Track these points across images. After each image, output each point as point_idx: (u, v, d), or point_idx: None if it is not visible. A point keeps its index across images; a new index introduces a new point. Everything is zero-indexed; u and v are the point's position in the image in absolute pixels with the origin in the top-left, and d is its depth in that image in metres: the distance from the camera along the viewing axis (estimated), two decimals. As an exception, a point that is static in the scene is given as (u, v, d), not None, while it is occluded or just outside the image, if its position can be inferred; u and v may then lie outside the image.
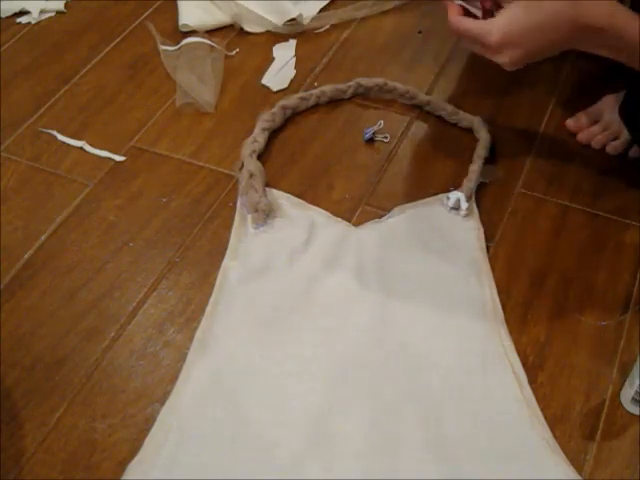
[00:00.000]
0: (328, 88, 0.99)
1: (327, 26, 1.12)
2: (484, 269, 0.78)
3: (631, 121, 0.86)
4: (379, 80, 0.99)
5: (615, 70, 0.95)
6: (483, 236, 0.81)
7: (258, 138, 0.91)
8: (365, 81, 0.99)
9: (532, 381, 0.69)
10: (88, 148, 0.96)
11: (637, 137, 0.87)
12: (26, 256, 0.83)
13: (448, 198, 0.83)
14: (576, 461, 0.64)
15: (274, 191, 0.87)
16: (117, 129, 0.98)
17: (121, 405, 0.70)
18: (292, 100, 0.97)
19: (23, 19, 1.18)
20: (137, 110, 1.01)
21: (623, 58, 0.71)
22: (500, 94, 0.97)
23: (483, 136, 0.89)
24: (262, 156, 0.91)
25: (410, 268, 0.78)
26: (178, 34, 1.12)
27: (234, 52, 1.09)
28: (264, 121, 0.94)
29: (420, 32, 1.11)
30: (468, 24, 0.73)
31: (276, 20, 1.11)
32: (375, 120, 0.95)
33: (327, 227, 0.83)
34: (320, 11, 1.14)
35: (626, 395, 0.67)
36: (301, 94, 0.98)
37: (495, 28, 0.69)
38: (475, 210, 0.83)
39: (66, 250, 0.84)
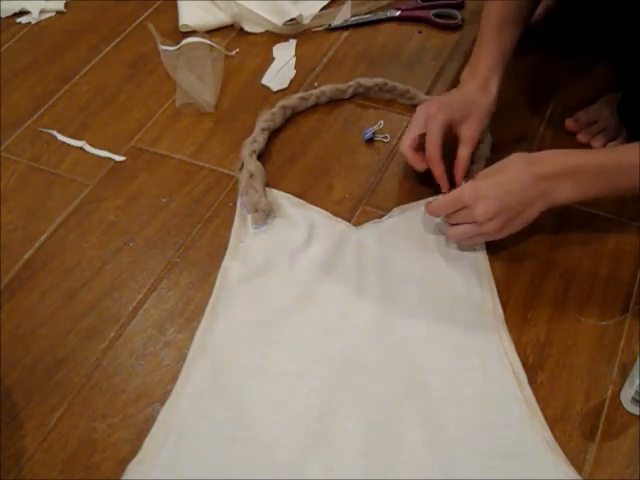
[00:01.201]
0: (328, 88, 0.99)
1: (327, 26, 1.12)
2: (484, 269, 0.78)
3: (629, 120, 0.86)
4: (379, 80, 0.99)
5: (614, 70, 0.96)
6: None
7: (258, 138, 0.91)
8: (365, 81, 0.99)
9: (532, 381, 0.69)
10: (88, 148, 0.96)
11: (635, 136, 0.86)
12: (26, 256, 0.83)
13: None
14: (576, 461, 0.64)
15: (274, 191, 0.87)
16: (117, 129, 0.98)
17: (121, 405, 0.70)
18: (292, 100, 0.97)
19: (23, 19, 1.18)
20: (137, 110, 1.01)
21: (612, 188, 0.73)
22: (500, 94, 0.97)
23: (484, 136, 0.89)
24: (262, 156, 0.91)
25: (410, 268, 0.78)
26: (178, 34, 1.12)
27: (234, 52, 1.09)
28: (264, 121, 0.94)
29: (420, 32, 1.11)
30: (441, 200, 0.78)
31: (276, 20, 1.11)
32: (375, 120, 0.95)
33: (327, 227, 0.83)
34: (320, 10, 1.14)
35: (626, 395, 0.67)
36: (301, 94, 0.98)
37: (466, 187, 0.74)
38: None
39: (66, 250, 0.84)
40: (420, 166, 0.84)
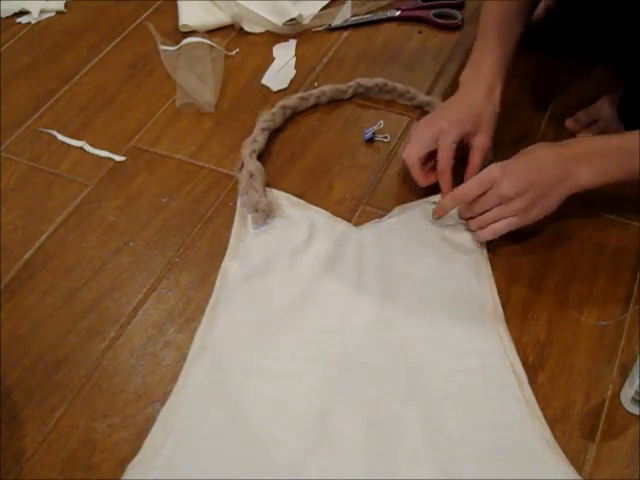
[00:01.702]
0: (328, 88, 0.99)
1: (327, 26, 1.12)
2: (484, 269, 0.78)
3: (629, 120, 0.86)
4: (379, 80, 0.99)
5: (614, 70, 0.96)
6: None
7: (258, 138, 0.91)
8: (365, 81, 0.99)
9: (532, 381, 0.69)
10: (88, 148, 0.96)
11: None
12: (26, 256, 0.83)
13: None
14: (576, 461, 0.64)
15: (274, 191, 0.87)
16: (117, 129, 0.98)
17: (121, 405, 0.70)
18: (292, 100, 0.97)
19: (23, 19, 1.18)
20: (137, 110, 1.01)
21: (635, 170, 0.74)
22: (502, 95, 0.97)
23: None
24: (262, 156, 0.91)
25: (410, 268, 0.78)
26: (178, 34, 1.12)
27: (234, 52, 1.09)
28: (264, 121, 0.94)
29: (420, 32, 1.11)
30: (467, 183, 0.77)
31: (276, 20, 1.11)
32: (375, 120, 0.95)
33: (327, 227, 0.83)
34: (320, 10, 1.14)
35: (626, 395, 0.67)
36: (301, 94, 0.98)
37: (493, 165, 0.75)
38: None
39: (66, 250, 0.84)
40: (423, 182, 0.84)
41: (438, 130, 0.82)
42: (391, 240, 0.81)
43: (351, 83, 0.99)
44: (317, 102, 0.99)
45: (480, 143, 0.82)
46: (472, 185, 0.76)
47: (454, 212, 0.82)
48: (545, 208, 0.75)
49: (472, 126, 0.82)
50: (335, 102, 1.00)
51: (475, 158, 0.83)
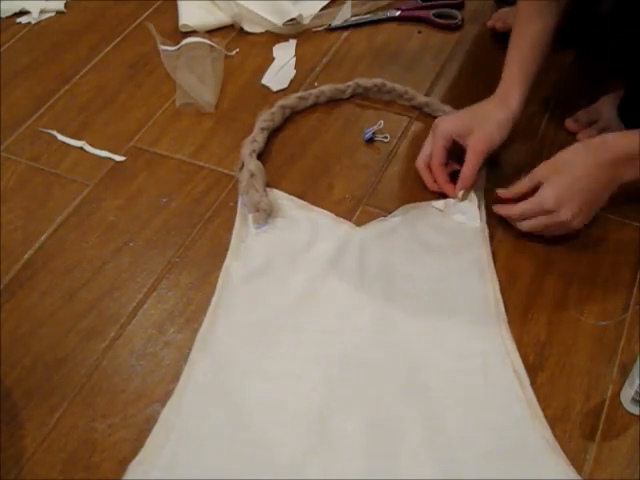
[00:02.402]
0: (327, 88, 0.99)
1: (327, 26, 1.12)
2: (486, 270, 0.78)
3: (629, 121, 0.86)
4: (378, 81, 0.99)
5: (614, 70, 0.96)
6: (488, 237, 0.81)
7: (257, 138, 0.91)
8: (364, 81, 0.99)
9: (532, 381, 0.69)
10: (88, 148, 0.96)
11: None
12: (26, 256, 0.83)
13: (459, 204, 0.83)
14: (576, 461, 0.64)
15: (275, 191, 0.87)
16: (117, 129, 0.98)
17: (121, 405, 0.70)
18: (291, 100, 0.97)
19: (23, 19, 1.18)
20: (137, 110, 1.01)
21: None
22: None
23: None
24: (262, 156, 0.91)
25: (413, 269, 0.78)
26: (178, 34, 1.12)
27: (234, 52, 1.09)
28: (263, 121, 0.94)
29: (420, 32, 1.11)
30: (520, 206, 0.78)
31: (276, 20, 1.11)
32: (375, 120, 0.95)
33: (329, 227, 0.83)
34: (320, 10, 1.14)
35: (626, 395, 0.67)
36: (300, 94, 0.98)
37: (544, 195, 0.75)
38: (483, 211, 0.83)
39: (66, 250, 0.84)
40: (431, 186, 0.86)
41: (433, 131, 0.85)
42: (393, 240, 0.81)
43: (350, 83, 0.99)
44: (316, 102, 0.99)
45: (473, 142, 0.82)
46: (524, 209, 0.77)
47: (454, 212, 0.82)
48: (595, 211, 0.77)
49: (468, 126, 0.82)
50: (335, 102, 1.00)
51: (470, 159, 0.82)
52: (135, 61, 1.09)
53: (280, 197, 0.86)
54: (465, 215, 0.82)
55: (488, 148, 0.83)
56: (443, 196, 0.85)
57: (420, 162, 0.86)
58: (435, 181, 0.85)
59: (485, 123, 0.83)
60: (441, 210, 0.83)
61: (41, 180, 0.92)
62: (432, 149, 0.84)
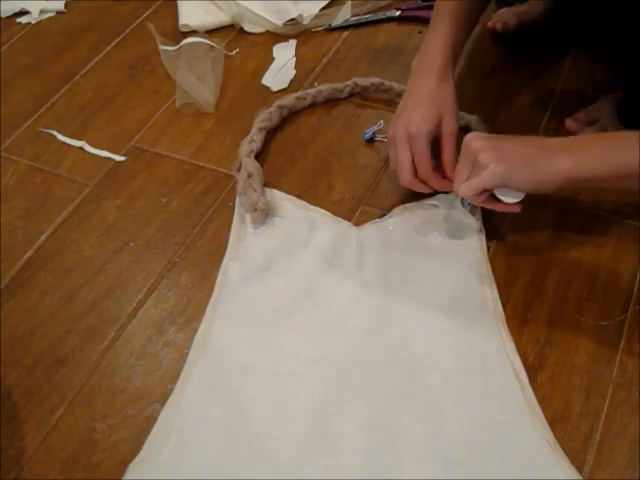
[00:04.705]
0: (325, 87, 0.99)
1: (327, 26, 1.12)
2: (485, 269, 0.78)
3: (629, 120, 0.86)
4: (375, 80, 0.99)
5: (614, 70, 0.96)
6: (484, 237, 0.81)
7: (255, 138, 0.91)
8: (361, 81, 0.99)
9: (532, 381, 0.69)
10: (88, 148, 0.96)
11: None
12: (26, 256, 0.83)
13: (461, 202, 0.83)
14: (576, 461, 0.64)
15: (274, 191, 0.87)
16: (117, 129, 0.98)
17: (121, 405, 0.70)
18: (289, 99, 0.97)
19: (23, 19, 1.18)
20: (137, 110, 1.01)
21: (615, 165, 0.70)
22: (499, 94, 0.97)
23: (475, 126, 0.89)
24: (260, 156, 0.91)
25: (411, 268, 0.78)
26: (178, 34, 1.12)
27: (234, 52, 1.09)
28: (261, 121, 0.94)
29: (420, 32, 1.11)
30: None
31: (276, 20, 1.11)
32: (375, 120, 0.95)
33: (327, 227, 0.83)
34: (320, 10, 1.14)
35: None
36: (298, 93, 0.98)
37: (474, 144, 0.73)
38: (478, 211, 0.83)
39: (66, 250, 0.84)
40: (427, 190, 0.82)
41: (407, 136, 0.79)
42: (392, 240, 0.81)
43: (348, 82, 0.99)
44: (314, 101, 0.99)
45: (449, 129, 0.80)
46: (458, 168, 0.75)
47: (454, 212, 0.82)
48: (529, 178, 0.71)
49: (436, 118, 0.79)
50: (334, 102, 1.00)
51: (448, 144, 0.80)
52: (135, 61, 1.09)
53: (278, 197, 0.86)
54: (461, 209, 0.82)
55: (457, 125, 0.81)
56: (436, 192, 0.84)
57: (406, 178, 0.80)
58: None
59: (445, 105, 0.80)
60: (436, 205, 0.83)
61: (41, 180, 0.92)
62: (415, 158, 0.79)
